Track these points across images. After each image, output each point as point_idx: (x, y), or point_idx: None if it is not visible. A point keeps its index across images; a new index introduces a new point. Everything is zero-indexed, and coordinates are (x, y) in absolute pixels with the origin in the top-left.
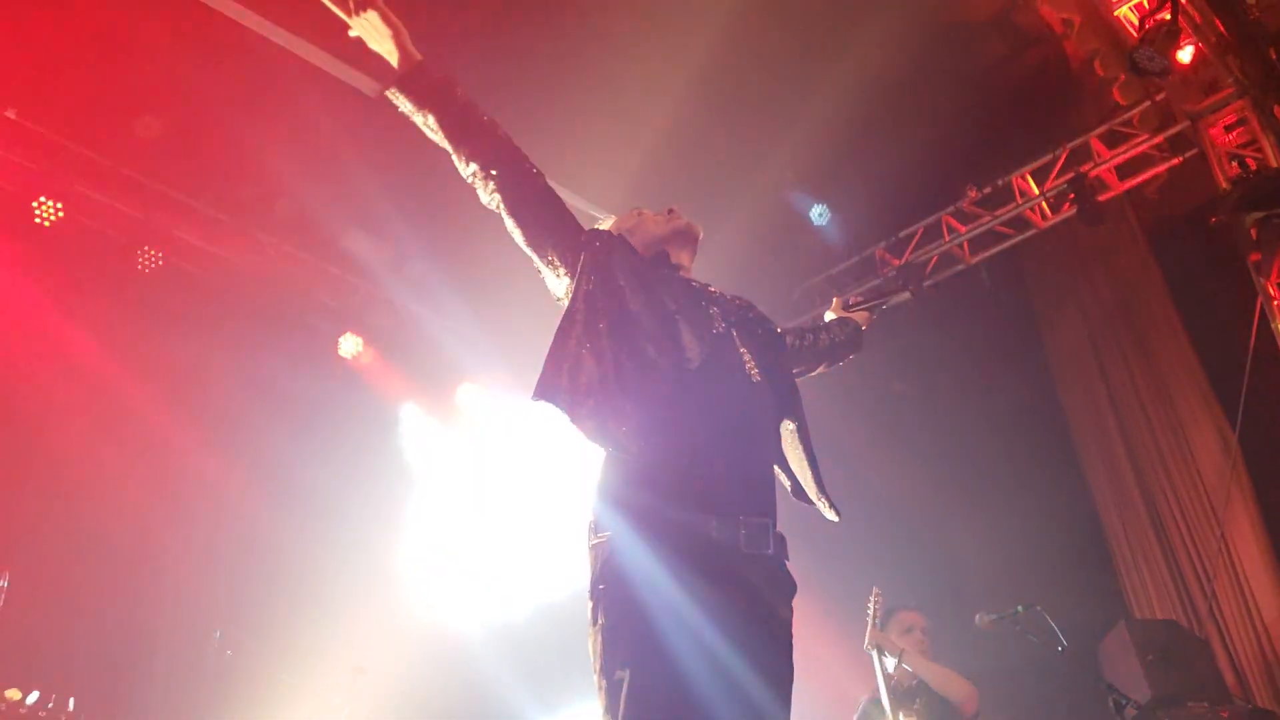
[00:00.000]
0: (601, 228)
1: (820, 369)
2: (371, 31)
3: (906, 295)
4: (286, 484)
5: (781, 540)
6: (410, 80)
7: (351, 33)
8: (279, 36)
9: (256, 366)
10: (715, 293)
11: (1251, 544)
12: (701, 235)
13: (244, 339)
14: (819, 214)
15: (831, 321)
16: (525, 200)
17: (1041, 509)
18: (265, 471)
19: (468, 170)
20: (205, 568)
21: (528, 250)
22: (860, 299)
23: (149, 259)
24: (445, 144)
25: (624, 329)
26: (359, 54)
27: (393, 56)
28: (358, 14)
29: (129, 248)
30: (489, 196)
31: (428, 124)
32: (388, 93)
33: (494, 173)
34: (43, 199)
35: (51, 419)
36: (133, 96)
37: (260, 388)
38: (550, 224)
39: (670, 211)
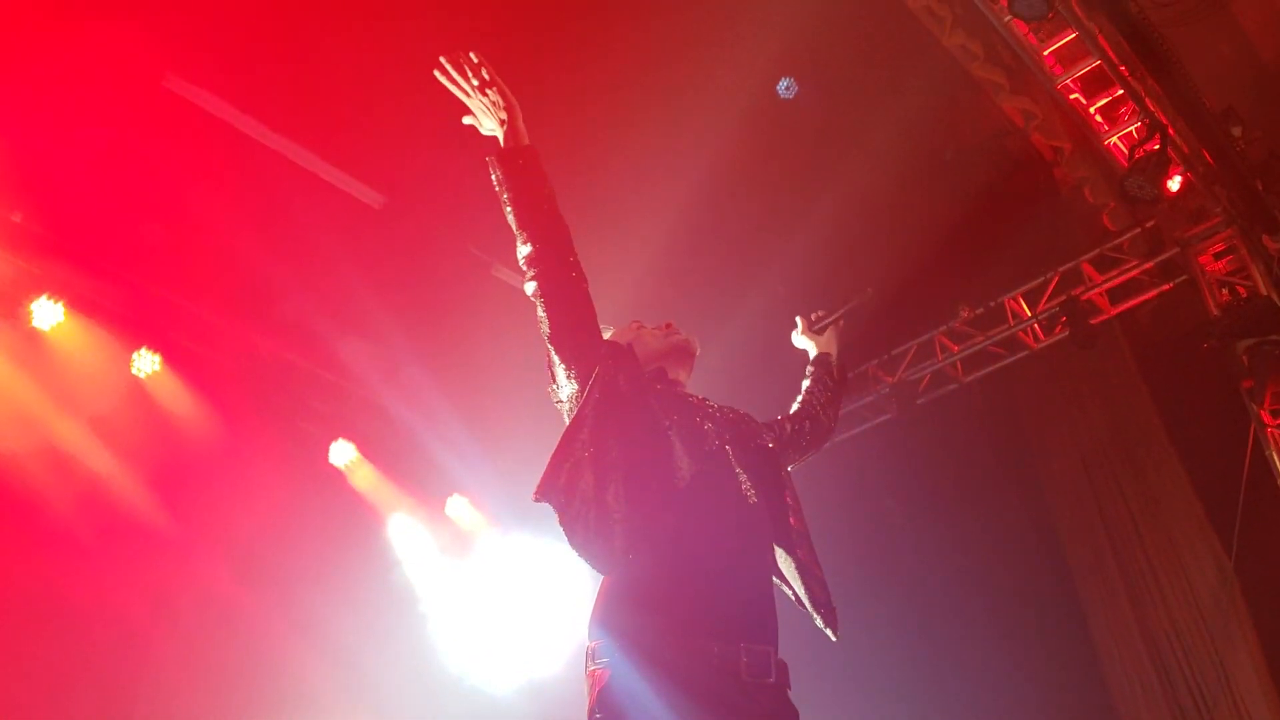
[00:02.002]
0: (605, 336)
1: (828, 438)
2: (489, 109)
3: (868, 292)
4: (274, 587)
5: (783, 668)
6: (510, 156)
7: (465, 119)
8: (281, 145)
9: (246, 469)
10: (711, 408)
11: (1250, 673)
12: (698, 351)
13: (235, 442)
14: (785, 87)
15: (817, 376)
16: (559, 295)
17: (1035, 637)
18: (252, 573)
19: (522, 251)
20: (185, 664)
21: (548, 345)
22: (823, 314)
23: (145, 362)
24: (512, 221)
25: (624, 443)
26: (362, 164)
27: (500, 131)
28: (480, 94)
29: (125, 350)
30: (530, 282)
31: (504, 198)
32: (488, 159)
33: (541, 259)
34: (43, 299)
35: (38, 511)
36: (133, 202)
37: (250, 491)
38: (575, 326)
39: (668, 326)
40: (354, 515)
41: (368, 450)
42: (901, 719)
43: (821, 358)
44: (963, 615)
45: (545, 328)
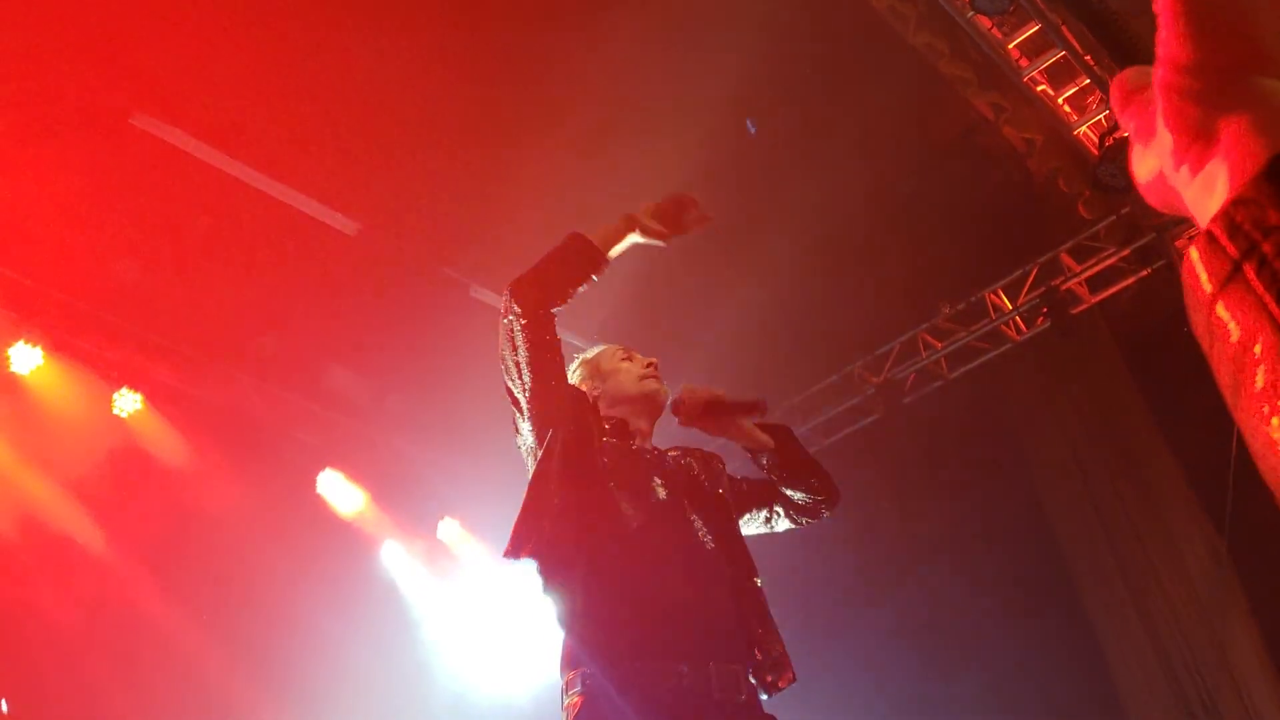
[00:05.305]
0: (588, 356)
1: (830, 492)
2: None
3: (761, 404)
4: (267, 623)
5: (754, 688)
6: (585, 244)
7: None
8: (251, 177)
9: (234, 505)
10: (668, 460)
11: (1250, 655)
12: (668, 403)
13: (221, 477)
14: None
15: (769, 467)
16: (534, 341)
17: (1034, 627)
18: (245, 609)
19: (509, 300)
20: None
21: (512, 389)
22: (709, 405)
23: (126, 402)
24: (530, 274)
25: (579, 499)
26: (333, 192)
27: (616, 230)
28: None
29: (106, 391)
30: (510, 320)
31: (549, 259)
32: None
33: (525, 300)
34: (20, 344)
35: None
36: (110, 241)
37: (238, 527)
38: (535, 366)
39: (650, 365)
40: (345, 544)
41: (356, 478)
42: (904, 718)
43: (755, 454)
44: (961, 610)
45: (513, 375)
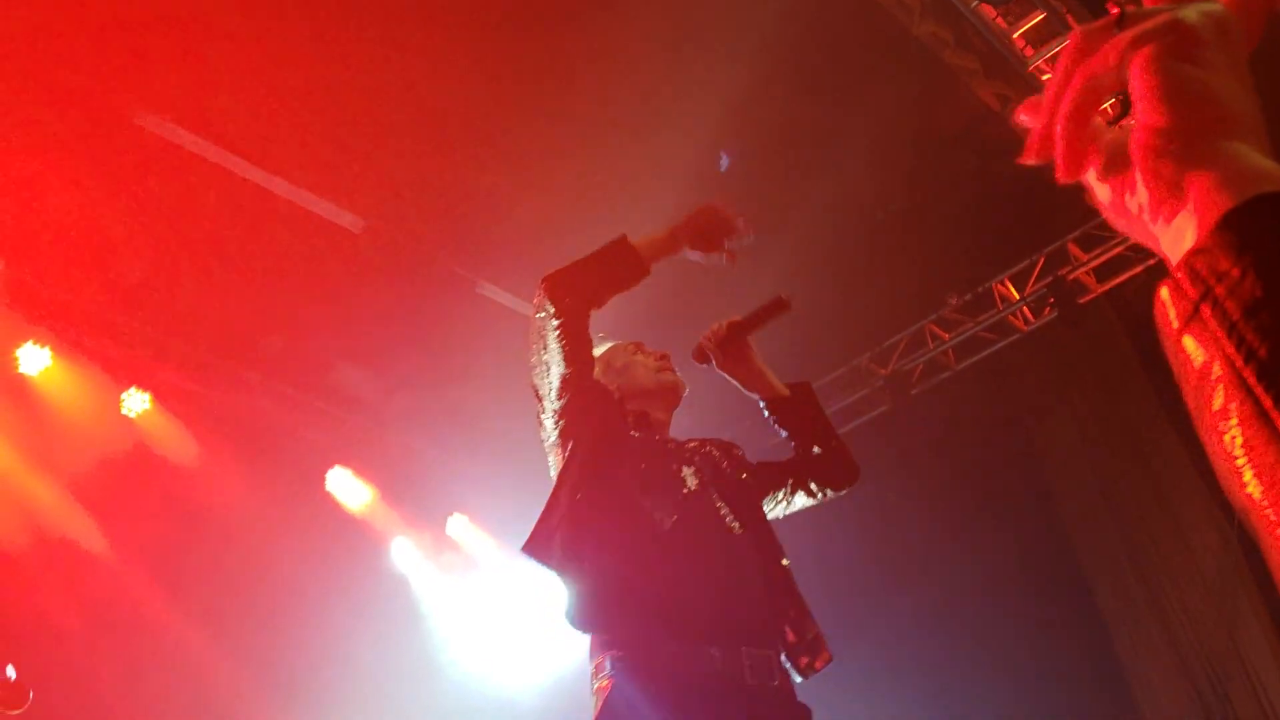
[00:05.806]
0: (598, 353)
1: (850, 463)
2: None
3: (784, 300)
4: (279, 621)
5: (787, 675)
6: (627, 249)
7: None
8: (257, 175)
9: (244, 504)
10: (691, 449)
11: (1262, 642)
12: (685, 392)
13: (230, 476)
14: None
15: (787, 424)
16: (568, 340)
17: (1045, 619)
18: (255, 608)
19: (550, 305)
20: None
21: (540, 386)
22: (725, 327)
23: (134, 402)
24: (568, 272)
25: (603, 506)
26: (339, 190)
27: (658, 238)
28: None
29: (114, 391)
30: (551, 321)
31: (588, 260)
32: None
33: (564, 309)
34: (29, 345)
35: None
36: (116, 241)
37: (248, 525)
38: (564, 365)
39: (663, 358)
40: (354, 541)
41: (364, 475)
42: (914, 709)
43: (773, 404)
44: (970, 600)
45: (540, 372)
